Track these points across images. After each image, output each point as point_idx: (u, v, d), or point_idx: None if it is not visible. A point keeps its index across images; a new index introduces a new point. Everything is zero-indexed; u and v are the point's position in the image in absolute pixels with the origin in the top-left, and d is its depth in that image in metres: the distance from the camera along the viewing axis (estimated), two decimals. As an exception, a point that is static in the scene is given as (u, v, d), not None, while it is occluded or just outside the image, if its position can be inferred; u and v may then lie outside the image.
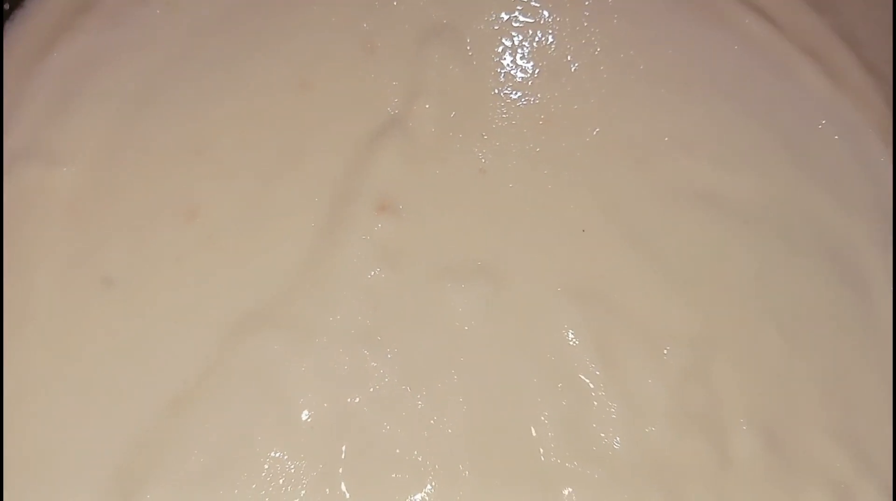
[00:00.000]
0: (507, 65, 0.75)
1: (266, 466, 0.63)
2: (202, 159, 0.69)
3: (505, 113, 0.73)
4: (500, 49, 0.75)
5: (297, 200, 0.69)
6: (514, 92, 0.74)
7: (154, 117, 0.70)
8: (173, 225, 0.68)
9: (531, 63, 0.75)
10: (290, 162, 0.70)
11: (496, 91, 0.74)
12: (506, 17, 0.76)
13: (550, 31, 0.77)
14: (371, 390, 0.65)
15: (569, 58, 0.76)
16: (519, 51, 0.76)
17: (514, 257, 0.69)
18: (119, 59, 0.71)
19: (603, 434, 0.65)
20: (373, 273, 0.67)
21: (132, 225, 0.68)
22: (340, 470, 0.63)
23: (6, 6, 0.71)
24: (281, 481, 0.62)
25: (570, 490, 0.63)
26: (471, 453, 0.64)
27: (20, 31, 0.72)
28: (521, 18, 0.77)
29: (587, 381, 0.66)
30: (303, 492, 0.62)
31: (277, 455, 0.63)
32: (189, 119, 0.70)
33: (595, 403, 0.65)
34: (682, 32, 0.77)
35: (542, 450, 0.64)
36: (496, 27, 0.76)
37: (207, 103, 0.71)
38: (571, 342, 0.67)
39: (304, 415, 0.64)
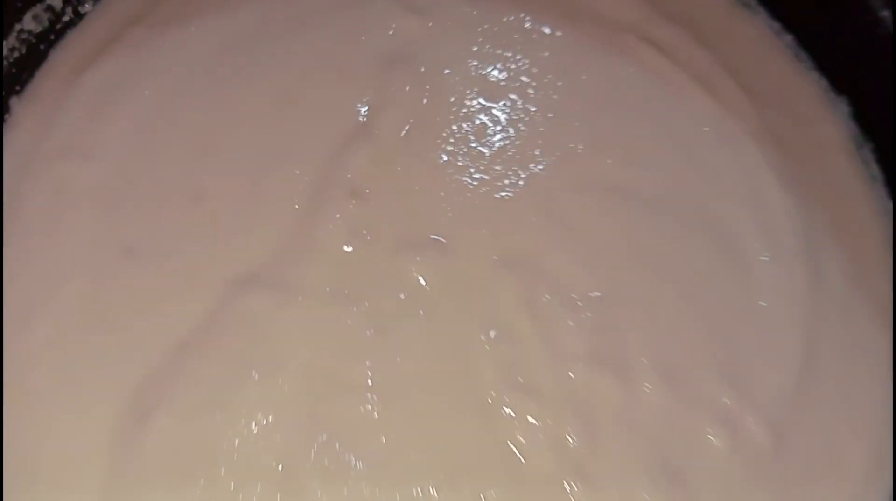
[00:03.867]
0: (454, 86, 0.81)
1: (256, 398, 0.68)
2: (207, 156, 0.75)
3: (452, 121, 0.79)
4: (448, 75, 0.82)
5: (285, 187, 0.74)
6: (459, 107, 0.80)
7: (169, 123, 0.76)
8: (183, 206, 0.73)
9: (473, 87, 0.81)
10: (278, 158, 0.75)
11: (445, 107, 0.80)
12: (454, 51, 0.84)
13: (491, 65, 0.82)
14: (342, 336, 0.70)
15: (502, 84, 0.82)
16: (464, 77, 0.82)
17: (459, 233, 0.74)
18: (141, 78, 0.77)
19: (531, 373, 0.70)
20: (345, 245, 0.73)
21: (149, 207, 0.73)
22: (316, 400, 0.68)
23: (51, 36, 0.79)
24: (268, 409, 0.67)
25: (503, 418, 0.68)
26: (426, 384, 0.68)
27: (61, 54, 0.79)
28: (466, 53, 0.83)
29: (518, 329, 0.71)
30: (286, 419, 0.67)
31: (265, 389, 0.68)
32: (197, 125, 0.76)
33: (525, 347, 0.71)
34: (594, 63, 0.82)
35: (481, 384, 0.69)
36: (444, 57, 0.83)
37: (211, 113, 0.76)
38: (505, 298, 0.72)
39: (287, 358, 0.69)
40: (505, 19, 0.86)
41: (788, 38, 0.86)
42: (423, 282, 0.72)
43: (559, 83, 0.83)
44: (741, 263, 0.76)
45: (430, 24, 0.85)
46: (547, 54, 0.84)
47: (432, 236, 0.74)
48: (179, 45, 0.80)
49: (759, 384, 0.72)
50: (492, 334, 0.71)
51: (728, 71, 0.84)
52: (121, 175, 0.74)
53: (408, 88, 0.81)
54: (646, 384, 0.71)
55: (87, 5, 0.82)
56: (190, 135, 0.76)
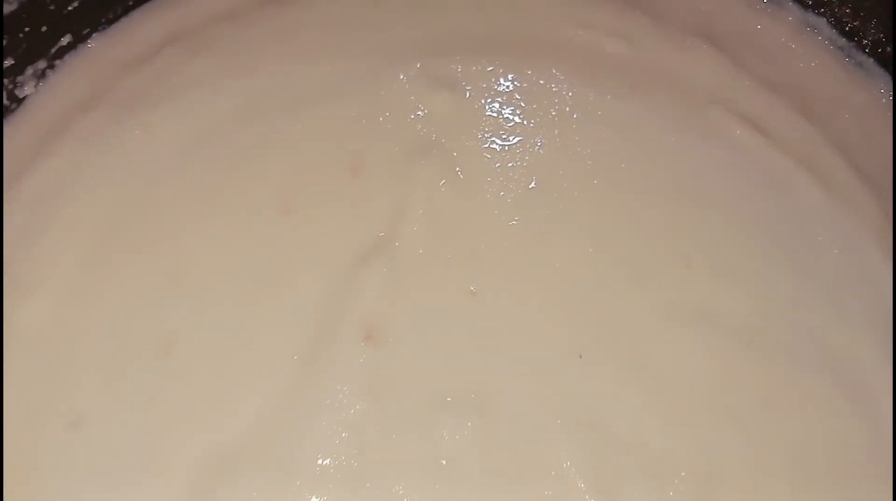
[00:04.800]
0: (497, 182, 0.64)
1: None
2: (179, 288, 0.59)
3: (495, 233, 0.62)
4: (489, 166, 0.65)
5: (279, 330, 0.58)
6: (504, 210, 0.63)
7: (128, 244, 0.60)
8: (147, 360, 0.57)
9: (521, 179, 0.65)
10: (270, 290, 0.59)
11: (486, 210, 0.63)
12: (493, 134, 0.66)
13: (539, 146, 0.66)
14: (354, 541, 0.53)
15: (560, 173, 0.65)
16: (509, 167, 0.66)
17: (508, 387, 0.57)
18: (93, 184, 0.62)
19: (606, 586, 0.53)
20: (357, 408, 0.56)
21: (104, 361, 0.57)
22: None
23: (-20, 131, 0.62)
24: None
25: None
26: None
27: (-7, 155, 0.62)
28: (509, 136, 0.67)
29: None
30: None
31: None
32: (164, 246, 0.60)
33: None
34: (672, 144, 0.67)
35: None
36: (485, 144, 0.65)
37: (184, 229, 0.61)
38: (571, 480, 0.55)
39: (283, 571, 0.52)
40: (555, 88, 0.69)
41: (920, 109, 0.69)
42: (459, 459, 0.55)
43: (629, 173, 0.66)
44: (873, 415, 0.59)
45: (468, 97, 0.68)
46: (614, 135, 0.67)
47: (471, 394, 0.57)
48: (144, 138, 0.64)
49: None
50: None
51: (843, 154, 0.69)
52: (66, 317, 0.59)
53: (441, 185, 0.63)
54: None
55: (27, 87, 0.63)
56: (156, 262, 0.60)
